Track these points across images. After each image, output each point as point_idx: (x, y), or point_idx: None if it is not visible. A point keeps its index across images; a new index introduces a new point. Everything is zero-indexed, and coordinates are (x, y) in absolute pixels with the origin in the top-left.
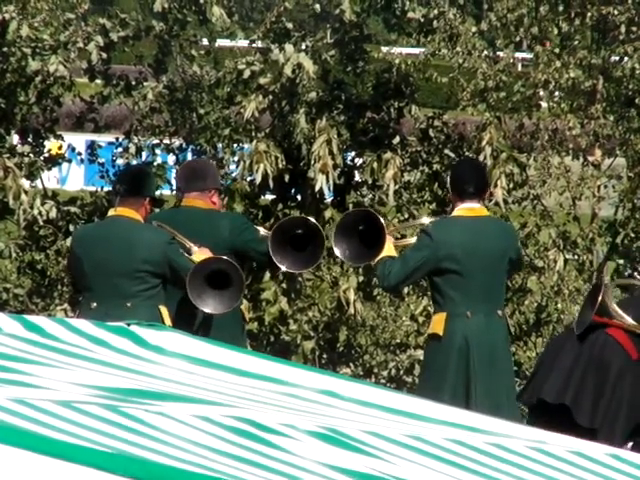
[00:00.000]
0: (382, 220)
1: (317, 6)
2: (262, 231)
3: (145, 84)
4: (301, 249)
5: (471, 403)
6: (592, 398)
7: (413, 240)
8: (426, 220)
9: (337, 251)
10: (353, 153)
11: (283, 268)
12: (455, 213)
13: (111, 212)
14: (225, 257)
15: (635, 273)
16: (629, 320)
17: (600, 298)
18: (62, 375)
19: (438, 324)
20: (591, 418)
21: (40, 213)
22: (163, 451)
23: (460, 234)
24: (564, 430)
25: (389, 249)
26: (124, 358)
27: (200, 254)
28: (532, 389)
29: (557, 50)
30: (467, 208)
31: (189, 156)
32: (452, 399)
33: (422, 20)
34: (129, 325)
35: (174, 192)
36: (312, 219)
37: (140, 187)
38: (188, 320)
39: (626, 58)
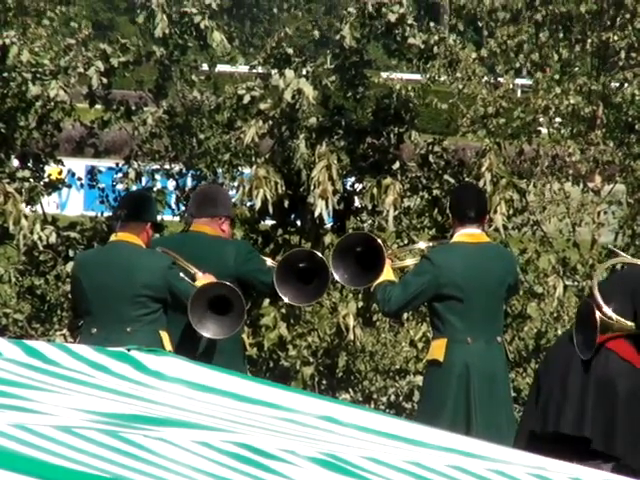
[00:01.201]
0: (380, 242)
1: (316, 32)
2: (269, 262)
3: (145, 109)
4: (306, 282)
5: (471, 429)
6: (606, 423)
7: (411, 262)
8: (423, 245)
9: (335, 274)
10: (353, 178)
11: (286, 300)
12: (456, 239)
13: (113, 237)
14: (227, 283)
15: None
16: (628, 323)
17: (598, 317)
18: (62, 400)
19: (438, 350)
20: (609, 445)
21: (40, 238)
22: (162, 477)
23: (461, 260)
24: (584, 456)
25: (388, 273)
26: (124, 383)
27: (204, 280)
28: (546, 421)
29: (557, 76)
30: (468, 234)
31: (189, 181)
32: (452, 425)
33: (422, 46)
34: (129, 350)
35: (174, 217)
36: (319, 253)
37: (141, 212)
38: (191, 346)
39: (626, 84)
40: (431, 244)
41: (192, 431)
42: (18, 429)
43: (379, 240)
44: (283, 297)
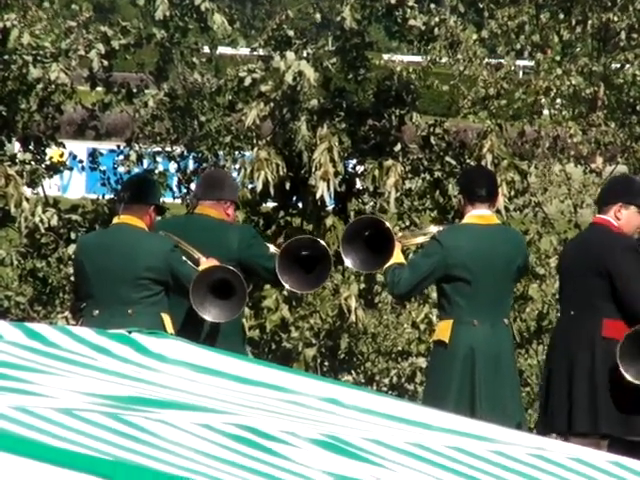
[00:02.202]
0: (389, 225)
1: (318, 15)
2: (272, 248)
3: (146, 92)
4: (308, 269)
5: (476, 410)
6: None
7: (422, 239)
8: (434, 229)
9: (345, 258)
10: (354, 160)
11: (287, 287)
12: (465, 220)
13: (115, 220)
14: (230, 267)
15: None
16: None
17: None
18: (63, 383)
19: (444, 331)
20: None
21: (41, 221)
22: (164, 459)
23: (470, 242)
24: None
25: (397, 256)
26: (126, 366)
27: (207, 264)
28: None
29: (558, 57)
30: (478, 215)
31: (190, 164)
32: (457, 406)
33: (423, 28)
34: (130, 333)
35: (176, 199)
36: (322, 241)
37: (144, 195)
38: (193, 329)
39: (627, 65)
40: (441, 228)
41: (193, 413)
42: (19, 411)
43: (387, 223)
44: (285, 284)
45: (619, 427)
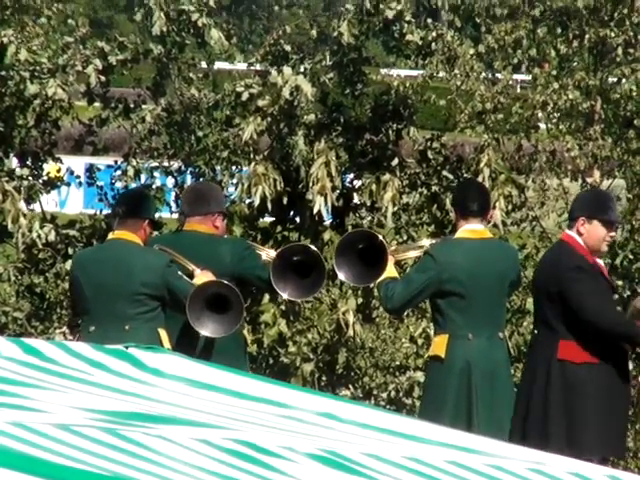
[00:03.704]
0: (382, 239)
1: (314, 31)
2: (264, 255)
3: (143, 107)
4: (302, 276)
5: (473, 425)
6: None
7: (414, 254)
8: (426, 242)
9: (339, 272)
10: (352, 175)
11: (285, 296)
12: (458, 235)
13: (110, 235)
14: (225, 281)
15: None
16: None
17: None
18: (60, 398)
19: (440, 346)
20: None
21: (39, 236)
22: (162, 474)
23: (463, 257)
24: None
25: (390, 270)
26: (122, 381)
27: (202, 276)
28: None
29: (555, 72)
30: (470, 230)
31: (188, 179)
32: (453, 421)
33: (420, 43)
34: (127, 348)
35: (173, 215)
36: (313, 247)
37: (139, 209)
38: (190, 344)
39: (623, 80)
40: (434, 241)
41: (191, 428)
42: (17, 427)
43: (381, 237)
44: (282, 294)
45: (566, 449)
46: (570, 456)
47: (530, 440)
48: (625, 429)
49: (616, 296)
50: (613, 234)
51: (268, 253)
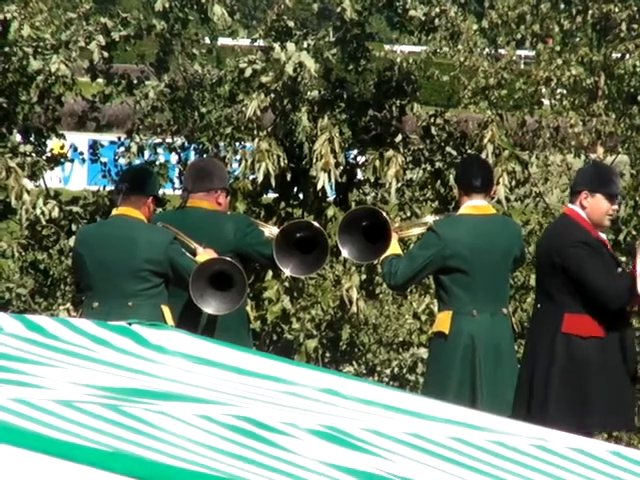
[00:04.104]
0: (386, 216)
1: (315, 6)
2: (267, 231)
3: (147, 83)
4: (305, 253)
5: (477, 401)
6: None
7: (418, 231)
8: (430, 219)
9: (342, 249)
10: (355, 151)
11: (288, 272)
12: (462, 211)
13: (114, 211)
14: (228, 258)
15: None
16: None
17: None
18: (63, 375)
19: (444, 322)
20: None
21: (42, 213)
22: (164, 450)
23: (467, 233)
24: None
25: (394, 246)
26: (125, 357)
27: (205, 254)
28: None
29: (559, 48)
30: (473, 206)
31: (192, 155)
32: (458, 397)
33: (424, 18)
34: (130, 324)
35: (176, 191)
36: (316, 223)
37: (143, 186)
38: (192, 321)
39: (627, 55)
40: (437, 217)
41: (194, 405)
42: (19, 403)
43: (384, 213)
44: (284, 270)
45: (570, 422)
46: (575, 430)
47: (534, 414)
48: (632, 402)
49: (620, 269)
50: (615, 207)
51: (271, 230)
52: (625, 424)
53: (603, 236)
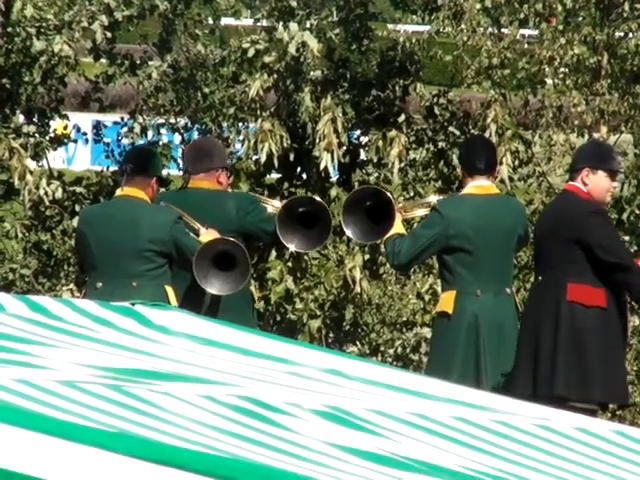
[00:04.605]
0: (390, 196)
1: None
2: (269, 208)
3: (150, 63)
4: (309, 228)
5: (481, 380)
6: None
7: (422, 212)
8: (434, 199)
9: (346, 229)
10: (358, 131)
11: (292, 248)
12: (465, 191)
13: (118, 192)
14: (232, 239)
15: None
16: None
17: None
18: (66, 355)
19: (447, 302)
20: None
21: (46, 193)
22: (168, 431)
23: (470, 212)
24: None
25: (398, 226)
26: (129, 338)
27: (208, 235)
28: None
29: (562, 27)
30: (477, 186)
31: (195, 135)
32: (462, 376)
33: None
34: (134, 305)
35: (180, 171)
36: (318, 198)
37: (147, 166)
38: (196, 301)
39: (630, 34)
40: (441, 197)
41: (197, 385)
42: (22, 384)
43: (388, 194)
44: (289, 245)
45: (576, 392)
46: (577, 400)
47: (540, 388)
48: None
49: None
50: (616, 184)
51: (273, 204)
52: (622, 398)
53: None
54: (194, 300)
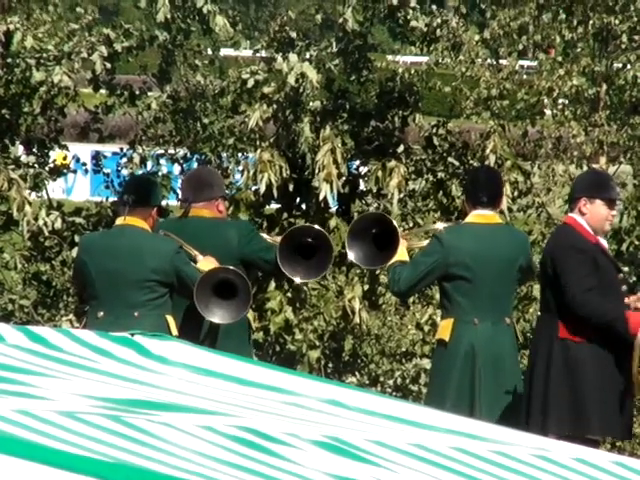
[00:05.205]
0: (395, 223)
1: (318, 16)
2: (268, 238)
3: (149, 94)
4: (309, 257)
5: (475, 409)
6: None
7: (426, 242)
8: (440, 226)
9: (350, 254)
10: (357, 162)
11: (297, 280)
12: (468, 220)
13: (119, 221)
14: (232, 267)
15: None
16: None
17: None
18: (65, 386)
19: (445, 330)
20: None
21: (45, 224)
22: (166, 461)
23: (471, 241)
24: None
25: (402, 253)
26: (128, 368)
27: (205, 262)
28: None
29: (560, 58)
30: (479, 215)
31: (194, 166)
32: (456, 404)
33: (425, 29)
34: (133, 335)
35: (180, 202)
36: (318, 226)
37: (148, 197)
38: (194, 329)
39: (629, 66)
40: (447, 225)
41: (196, 415)
42: (21, 415)
43: (394, 222)
44: (293, 277)
45: (568, 426)
46: (573, 434)
47: (533, 419)
48: (630, 411)
49: (621, 275)
50: (614, 212)
51: (274, 239)
52: (621, 433)
53: (603, 242)
54: (193, 326)
